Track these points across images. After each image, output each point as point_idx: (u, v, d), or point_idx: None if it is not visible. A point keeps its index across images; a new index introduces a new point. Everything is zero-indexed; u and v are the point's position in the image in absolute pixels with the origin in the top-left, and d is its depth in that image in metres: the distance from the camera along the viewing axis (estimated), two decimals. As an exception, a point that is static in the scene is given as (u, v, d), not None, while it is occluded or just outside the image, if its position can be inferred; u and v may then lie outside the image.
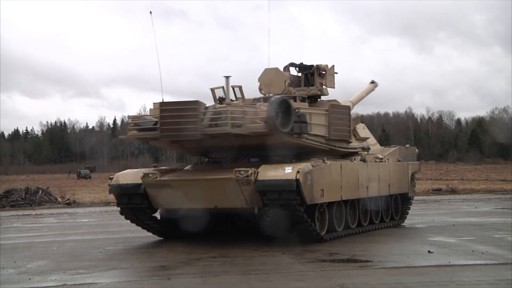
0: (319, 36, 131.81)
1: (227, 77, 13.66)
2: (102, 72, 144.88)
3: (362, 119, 18.29)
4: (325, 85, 15.57)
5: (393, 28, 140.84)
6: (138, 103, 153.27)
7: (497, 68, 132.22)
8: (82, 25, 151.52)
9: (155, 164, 16.08)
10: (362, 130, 16.98)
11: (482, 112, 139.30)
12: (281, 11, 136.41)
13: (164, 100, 13.31)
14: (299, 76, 15.64)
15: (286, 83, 14.73)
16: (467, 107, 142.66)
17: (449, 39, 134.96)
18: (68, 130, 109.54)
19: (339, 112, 14.83)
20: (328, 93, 15.80)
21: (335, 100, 15.73)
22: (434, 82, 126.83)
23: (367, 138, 16.99)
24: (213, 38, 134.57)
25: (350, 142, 15.41)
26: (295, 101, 14.11)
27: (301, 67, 15.60)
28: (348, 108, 15.40)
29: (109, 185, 14.44)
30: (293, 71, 15.62)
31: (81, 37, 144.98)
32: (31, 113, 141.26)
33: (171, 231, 14.91)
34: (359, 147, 16.12)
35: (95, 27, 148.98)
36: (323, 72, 15.52)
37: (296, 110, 13.17)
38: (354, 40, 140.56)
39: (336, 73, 15.94)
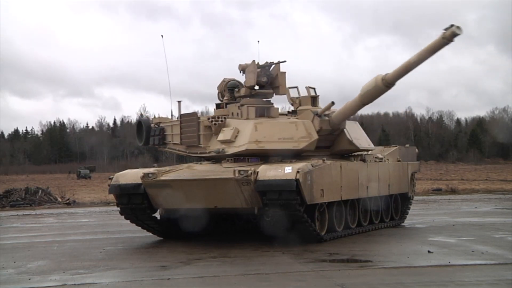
0: (310, 34, 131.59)
1: (179, 102, 16.11)
2: (92, 71, 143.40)
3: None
4: (245, 86, 15.05)
5: (385, 27, 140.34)
6: (134, 103, 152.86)
7: (491, 67, 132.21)
8: (66, 23, 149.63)
9: (155, 164, 16.13)
10: (229, 131, 14.35)
11: (481, 112, 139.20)
12: (270, 8, 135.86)
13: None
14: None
15: (218, 93, 15.82)
16: (463, 107, 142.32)
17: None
18: (68, 130, 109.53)
19: (188, 121, 15.32)
20: (245, 93, 14.99)
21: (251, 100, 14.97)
22: (429, 81, 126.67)
23: (225, 140, 14.29)
24: (200, 36, 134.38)
25: (200, 147, 14.89)
26: (225, 107, 15.13)
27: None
28: (194, 115, 15.31)
29: (109, 185, 14.45)
30: None
31: (68, 35, 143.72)
32: (23, 113, 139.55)
33: (171, 231, 14.91)
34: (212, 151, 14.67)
35: (80, 25, 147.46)
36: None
37: (155, 126, 16.19)
38: (347, 38, 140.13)
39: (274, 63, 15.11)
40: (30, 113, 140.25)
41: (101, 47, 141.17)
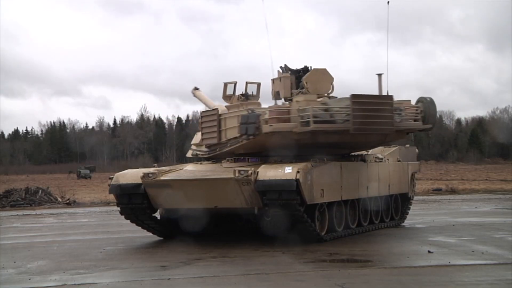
0: (298, 33, 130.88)
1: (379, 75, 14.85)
2: (75, 69, 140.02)
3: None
4: None
5: (371, 25, 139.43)
6: (124, 102, 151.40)
7: (483, 66, 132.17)
8: (38, 21, 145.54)
9: (155, 164, 16.13)
10: None
11: (477, 111, 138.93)
12: (256, 4, 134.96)
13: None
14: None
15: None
16: (457, 106, 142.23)
17: (433, 37, 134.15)
18: (68, 130, 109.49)
19: None
20: None
21: None
22: (421, 80, 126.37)
23: None
24: (179, 32, 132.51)
25: None
26: None
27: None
28: None
29: (109, 185, 14.46)
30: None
31: (42, 34, 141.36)
32: (14, 112, 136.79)
33: (171, 231, 14.92)
34: None
35: (52, 23, 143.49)
36: None
37: None
38: (336, 35, 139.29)
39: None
40: (21, 113, 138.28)
41: (78, 45, 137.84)
